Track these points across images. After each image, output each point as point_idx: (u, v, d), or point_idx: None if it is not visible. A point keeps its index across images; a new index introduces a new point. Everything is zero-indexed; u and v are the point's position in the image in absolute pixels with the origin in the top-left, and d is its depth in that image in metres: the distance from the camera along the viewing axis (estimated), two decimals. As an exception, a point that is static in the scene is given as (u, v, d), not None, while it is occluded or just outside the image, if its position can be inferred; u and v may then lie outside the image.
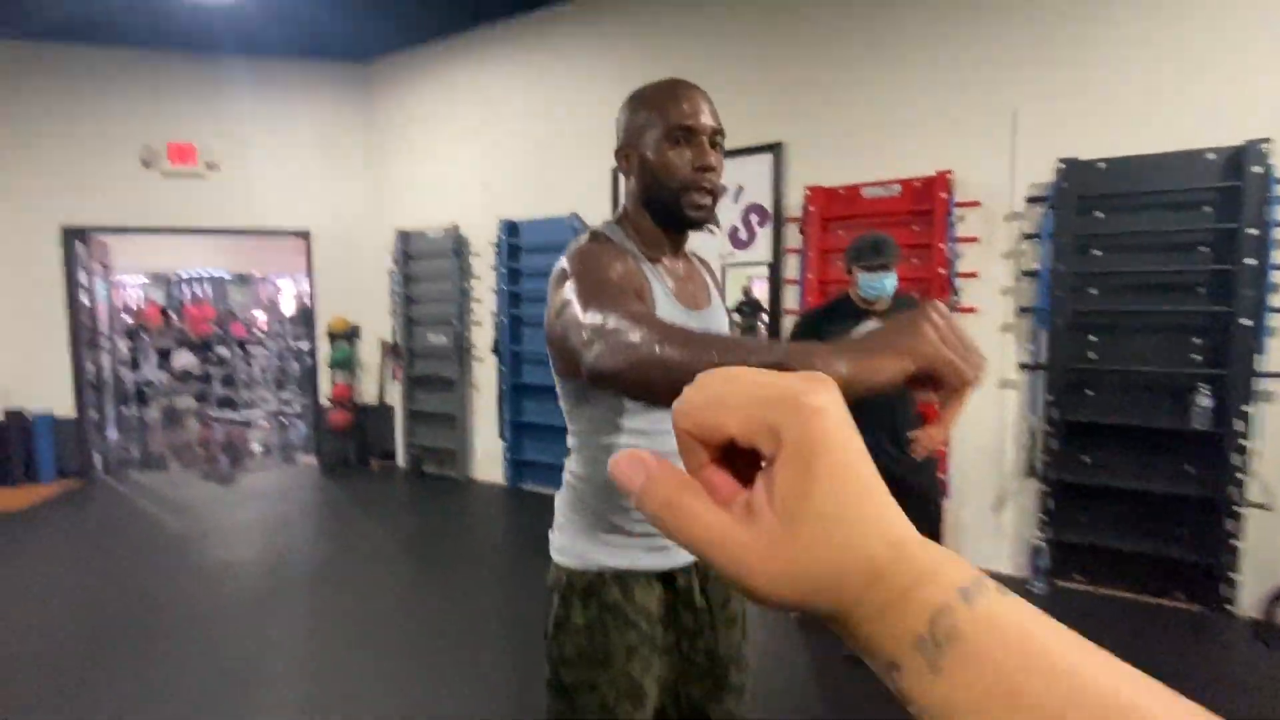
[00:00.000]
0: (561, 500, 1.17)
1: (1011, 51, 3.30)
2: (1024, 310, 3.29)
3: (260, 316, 10.88)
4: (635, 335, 0.70)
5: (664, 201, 1.06)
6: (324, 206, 5.76)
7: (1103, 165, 3.07)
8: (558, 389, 1.13)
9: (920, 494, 2.48)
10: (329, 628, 2.97)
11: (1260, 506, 2.84)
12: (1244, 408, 2.83)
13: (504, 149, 5.01)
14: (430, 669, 2.59)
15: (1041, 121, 3.22)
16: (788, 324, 3.93)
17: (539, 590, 1.16)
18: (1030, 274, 3.26)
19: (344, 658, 2.70)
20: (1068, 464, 3.20)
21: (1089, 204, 3.11)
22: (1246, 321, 2.79)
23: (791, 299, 3.91)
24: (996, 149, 3.32)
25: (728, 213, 4.10)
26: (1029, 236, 3.26)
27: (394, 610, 3.12)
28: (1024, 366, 3.31)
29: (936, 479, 2.55)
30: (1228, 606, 2.92)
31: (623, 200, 1.14)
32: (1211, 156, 2.88)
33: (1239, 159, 2.80)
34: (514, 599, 3.17)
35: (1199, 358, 2.96)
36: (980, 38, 3.37)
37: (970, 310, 3.39)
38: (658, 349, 0.66)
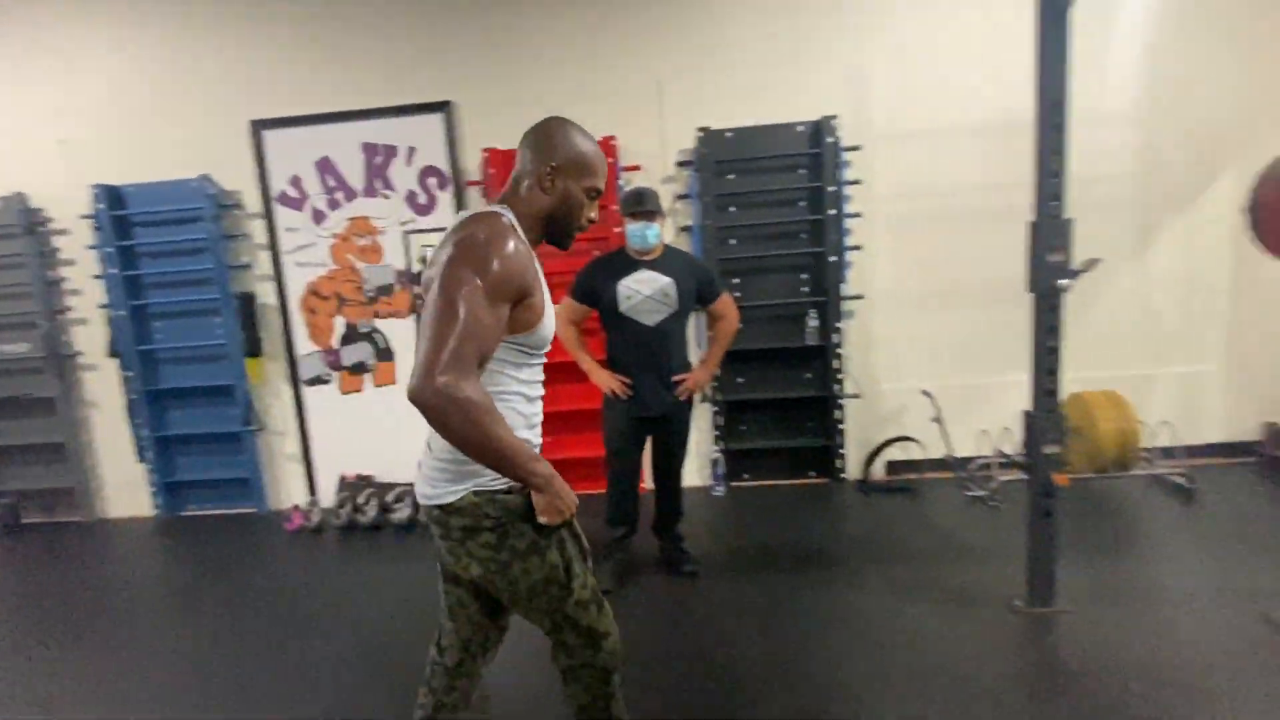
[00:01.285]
0: (447, 453, 1.31)
1: (655, 26, 3.67)
2: (685, 260, 3.80)
3: None
4: (471, 404, 1.14)
5: (559, 226, 1.39)
6: None
7: (730, 134, 3.66)
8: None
9: (680, 427, 2.78)
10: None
11: (855, 397, 3.78)
12: (837, 325, 3.71)
13: (93, 95, 3.89)
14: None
15: (683, 93, 3.68)
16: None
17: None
18: (686, 229, 3.75)
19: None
20: (728, 386, 3.84)
21: (723, 167, 3.68)
22: (834, 259, 3.64)
23: (481, 264, 3.87)
24: (649, 117, 3.71)
25: (403, 176, 3.86)
26: (681, 197, 3.74)
27: None
28: (690, 309, 3.83)
29: (690, 415, 2.83)
30: (842, 475, 3.86)
31: (514, 186, 1.37)
32: (801, 128, 3.64)
33: (819, 131, 3.59)
34: (176, 653, 2.64)
35: (807, 289, 3.78)
36: (629, 8, 3.66)
37: (643, 263, 3.77)
38: (464, 428, 1.15)
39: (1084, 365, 3.65)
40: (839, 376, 3.75)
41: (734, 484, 3.91)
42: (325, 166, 3.88)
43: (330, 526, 3.77)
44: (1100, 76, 3.50)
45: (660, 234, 2.62)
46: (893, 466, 3.87)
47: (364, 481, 3.99)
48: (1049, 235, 2.20)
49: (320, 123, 3.82)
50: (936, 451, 3.70)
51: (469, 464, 1.27)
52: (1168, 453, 3.53)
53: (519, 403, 1.34)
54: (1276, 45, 3.48)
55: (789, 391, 3.85)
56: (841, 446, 3.83)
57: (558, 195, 1.35)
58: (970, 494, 3.52)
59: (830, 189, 3.58)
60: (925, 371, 3.77)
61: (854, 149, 3.59)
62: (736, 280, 3.77)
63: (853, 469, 3.87)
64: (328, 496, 4.05)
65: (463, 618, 1.47)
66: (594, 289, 2.64)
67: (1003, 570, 2.62)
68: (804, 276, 3.78)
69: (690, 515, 3.12)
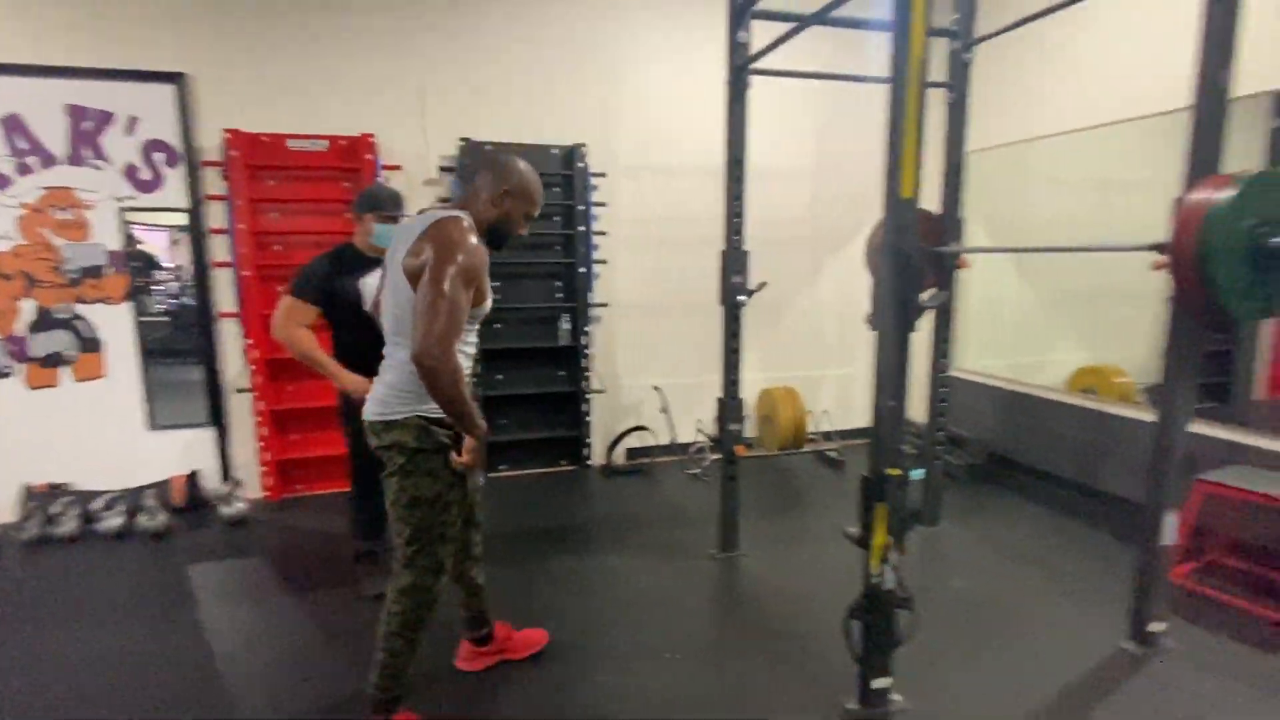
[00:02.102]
0: (406, 386, 1.71)
1: (423, 31, 3.79)
2: (445, 262, 3.98)
3: None
4: (459, 372, 1.58)
5: (499, 234, 1.82)
6: None
7: (490, 148, 3.93)
8: (408, 304, 1.64)
9: None
10: None
11: (599, 392, 4.29)
12: (585, 328, 4.18)
13: None
14: None
15: (447, 101, 3.87)
16: (224, 278, 3.66)
17: None
18: (447, 231, 3.94)
19: None
20: (488, 382, 4.10)
21: (484, 177, 3.94)
22: (583, 269, 4.11)
23: (222, 251, 3.64)
24: (413, 119, 3.83)
25: (121, 147, 3.47)
26: (444, 200, 3.92)
27: None
28: (450, 308, 4.01)
29: None
30: (588, 463, 4.34)
31: (473, 197, 1.79)
32: (556, 151, 4.05)
33: (571, 155, 4.03)
34: None
35: (560, 295, 4.20)
36: (394, 6, 3.75)
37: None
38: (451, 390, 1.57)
39: (771, 367, 4.60)
40: (586, 374, 4.22)
41: (491, 475, 4.17)
42: (14, 125, 3.33)
43: (12, 544, 3.23)
44: (783, 141, 4.45)
45: None
46: (631, 453, 4.45)
47: (58, 491, 3.48)
48: (733, 262, 2.85)
49: (10, 74, 3.29)
50: (665, 439, 4.36)
51: (420, 395, 1.66)
52: (827, 435, 4.60)
53: (464, 359, 1.70)
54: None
55: (543, 387, 4.23)
56: (588, 437, 4.31)
57: (503, 211, 1.78)
58: (690, 473, 4.23)
59: (580, 208, 4.04)
60: (657, 370, 4.41)
61: (600, 175, 4.10)
62: (498, 284, 4.04)
63: (598, 456, 4.37)
64: (4, 510, 3.46)
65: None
66: (330, 289, 2.47)
67: (707, 529, 3.25)
68: (558, 284, 4.20)
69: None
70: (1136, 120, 3.31)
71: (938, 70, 3.10)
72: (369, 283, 2.48)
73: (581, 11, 4.02)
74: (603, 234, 4.17)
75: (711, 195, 4.24)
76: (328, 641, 2.42)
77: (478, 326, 1.82)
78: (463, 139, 3.83)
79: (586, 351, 4.20)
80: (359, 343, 2.48)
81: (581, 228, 4.06)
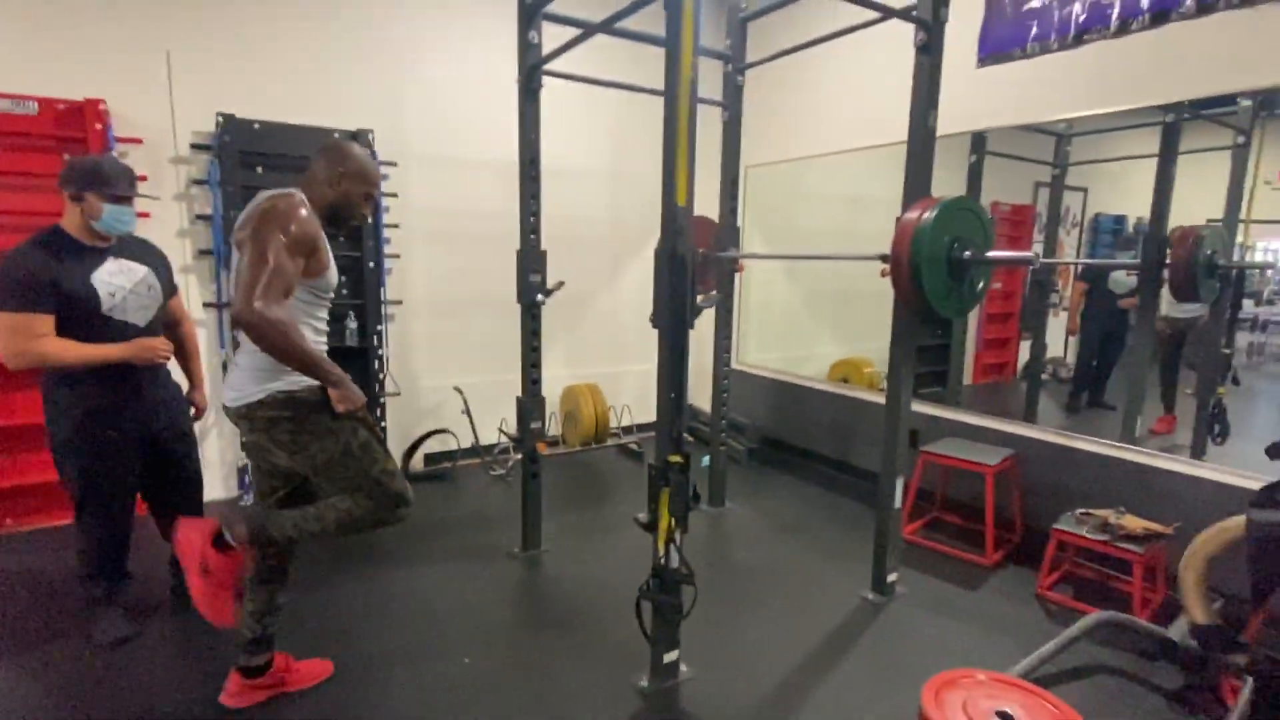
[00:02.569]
0: (260, 365, 1.71)
1: (161, -10, 3.29)
2: (203, 252, 3.49)
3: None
4: (282, 323, 1.59)
5: (337, 215, 1.87)
6: None
7: (258, 126, 3.52)
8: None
9: (193, 447, 2.48)
10: None
11: (394, 395, 4.05)
12: (378, 327, 3.92)
13: None
14: None
15: (198, 69, 3.38)
16: None
17: None
18: (205, 217, 3.46)
19: None
20: (260, 389, 3.67)
21: (251, 158, 3.53)
22: (372, 264, 3.85)
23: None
24: (155, 88, 3.30)
25: None
26: (198, 182, 3.43)
27: None
28: (207, 305, 3.53)
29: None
30: (382, 470, 4.07)
31: (311, 179, 1.84)
32: (338, 135, 3.74)
33: (355, 140, 3.73)
34: None
35: (346, 291, 3.89)
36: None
37: (147, 251, 3.33)
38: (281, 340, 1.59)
39: (575, 364, 4.69)
40: (380, 376, 3.96)
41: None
42: None
43: None
44: (584, 142, 4.55)
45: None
46: (432, 458, 4.27)
47: None
48: (529, 261, 2.86)
49: None
50: (468, 441, 4.24)
51: (273, 371, 1.69)
52: (628, 429, 4.80)
53: (310, 334, 1.75)
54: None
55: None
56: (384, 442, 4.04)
57: (341, 192, 1.83)
58: (494, 474, 4.16)
59: (368, 198, 3.78)
60: (458, 370, 4.27)
61: (390, 164, 3.87)
62: (268, 278, 3.64)
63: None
64: None
65: (271, 497, 1.91)
66: (52, 289, 2.01)
67: (510, 530, 3.22)
68: (343, 278, 3.88)
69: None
70: (881, 147, 3.88)
71: (715, 89, 3.41)
72: (105, 279, 2.12)
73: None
74: (394, 226, 3.94)
75: (512, 191, 4.22)
76: (58, 705, 2.01)
77: (327, 302, 1.86)
78: (222, 114, 3.38)
79: (379, 353, 3.95)
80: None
81: (370, 219, 3.80)
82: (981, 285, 2.35)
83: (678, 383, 1.93)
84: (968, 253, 2.24)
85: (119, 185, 2.12)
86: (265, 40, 3.54)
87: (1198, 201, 3.09)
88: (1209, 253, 3.03)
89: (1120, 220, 4.18)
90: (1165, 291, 3.17)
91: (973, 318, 4.21)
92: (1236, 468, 2.60)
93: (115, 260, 2.17)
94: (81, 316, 2.07)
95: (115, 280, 2.15)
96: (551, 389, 4.56)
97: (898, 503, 2.66)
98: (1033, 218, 4.33)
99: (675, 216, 1.85)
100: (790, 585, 2.86)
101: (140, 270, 2.23)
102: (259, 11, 3.51)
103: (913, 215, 2.25)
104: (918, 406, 3.70)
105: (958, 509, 3.50)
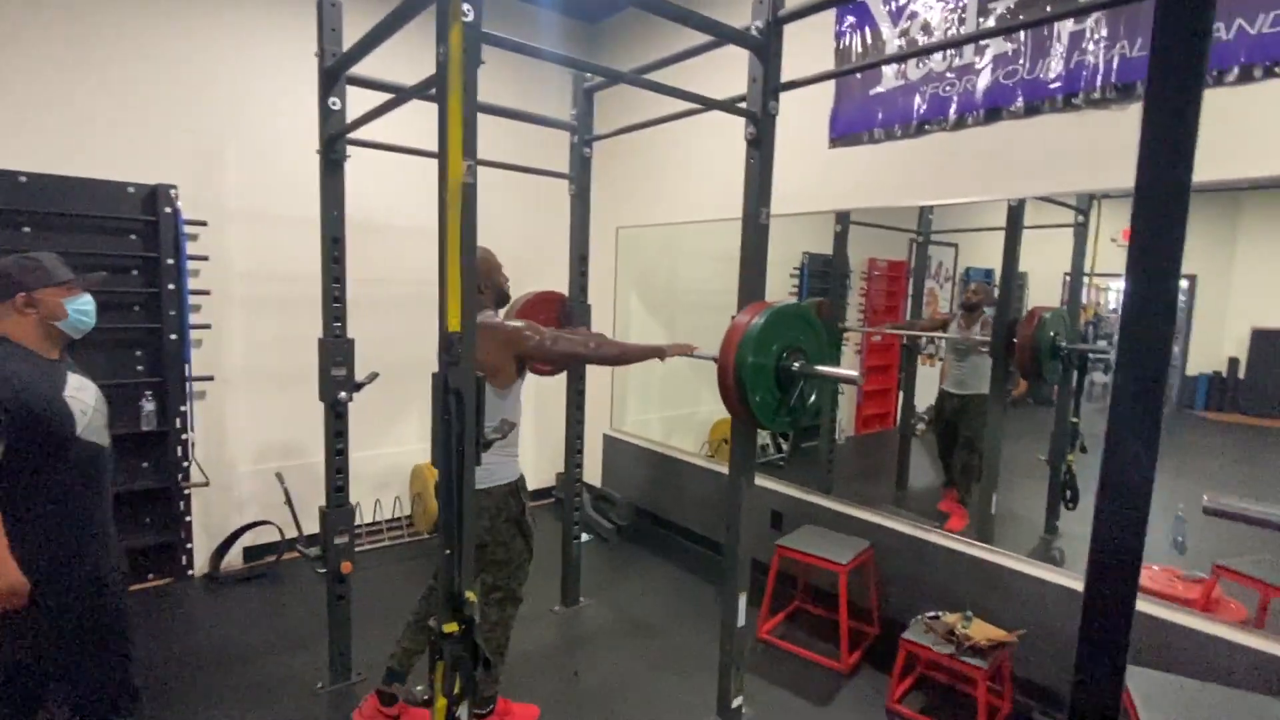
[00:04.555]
0: (489, 455, 1.86)
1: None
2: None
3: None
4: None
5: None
6: None
7: (25, 179, 2.99)
8: (488, 396, 1.96)
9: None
10: None
11: (202, 485, 3.51)
12: (181, 407, 3.40)
13: None
14: None
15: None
16: None
17: None
18: (-54, 287, 2.87)
19: None
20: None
21: (13, 217, 2.98)
22: (174, 336, 3.34)
23: None
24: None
25: None
26: (-62, 245, 2.85)
27: None
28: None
29: None
30: (189, 572, 3.51)
31: None
32: (132, 190, 3.25)
33: (154, 196, 3.26)
34: None
35: (142, 368, 3.35)
36: None
37: None
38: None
39: (422, 440, 4.28)
40: (184, 464, 3.43)
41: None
42: None
43: None
44: (418, 194, 4.21)
45: None
46: (252, 552, 3.74)
47: None
48: (333, 352, 2.50)
49: None
50: (291, 532, 3.74)
51: None
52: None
53: None
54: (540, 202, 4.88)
55: (123, 485, 3.32)
56: (189, 540, 3.49)
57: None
58: (321, 571, 3.67)
59: (169, 261, 3.29)
60: (282, 452, 3.79)
61: (199, 223, 3.39)
62: (36, 355, 3.07)
63: (199, 564, 3.57)
64: None
65: None
66: (30, 409, 1.64)
67: (325, 650, 2.78)
68: (138, 353, 3.34)
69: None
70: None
71: (561, 162, 3.20)
72: (72, 396, 1.71)
73: (181, 33, 3.31)
74: (204, 293, 3.45)
75: (352, 252, 3.86)
76: None
77: None
78: (-28, 166, 2.84)
79: (183, 436, 3.42)
80: (80, 482, 1.76)
81: (171, 285, 3.30)
82: (813, 398, 2.20)
83: (457, 535, 1.63)
84: (797, 364, 2.08)
85: (64, 272, 1.80)
86: (37, 82, 3.02)
87: (1056, 255, 3.14)
88: (1051, 335, 3.07)
89: (989, 274, 4.32)
90: (948, 364, 3.25)
91: (855, 369, 4.20)
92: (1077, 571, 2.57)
93: (72, 373, 1.80)
94: (60, 442, 1.70)
95: (81, 396, 1.77)
96: (401, 464, 4.14)
97: (741, 620, 2.45)
98: (907, 272, 4.41)
99: (448, 345, 1.57)
100: (636, 707, 2.58)
101: (90, 385, 1.83)
102: (29, 49, 2.99)
103: (741, 320, 2.08)
104: (780, 485, 3.60)
105: (820, 598, 3.36)
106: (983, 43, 2.70)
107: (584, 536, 4.21)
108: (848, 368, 3.99)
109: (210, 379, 3.52)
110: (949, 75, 2.82)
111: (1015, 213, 2.91)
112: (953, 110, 2.82)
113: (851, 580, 2.92)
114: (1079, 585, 2.50)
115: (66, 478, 1.73)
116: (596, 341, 2.39)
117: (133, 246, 3.27)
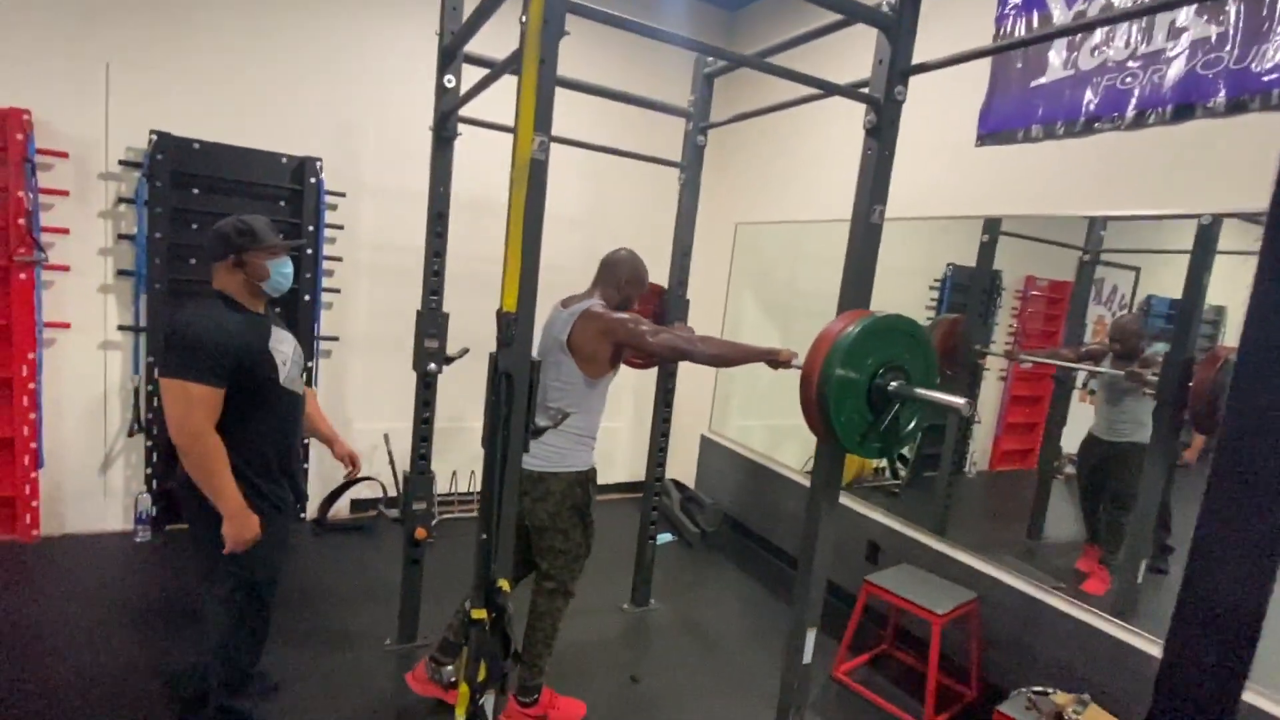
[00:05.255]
0: (563, 440, 2.20)
1: None
2: (123, 273, 3.31)
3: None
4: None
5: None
6: None
7: (197, 145, 3.35)
8: (577, 383, 2.22)
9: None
10: None
11: (319, 436, 3.78)
12: (309, 363, 3.68)
13: None
14: None
15: (137, 84, 3.23)
16: None
17: None
18: (128, 237, 3.29)
19: None
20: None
21: (185, 179, 3.35)
22: (308, 297, 3.62)
23: None
24: (88, 100, 3.16)
25: None
26: (126, 200, 3.27)
27: None
28: (124, 328, 3.34)
29: None
30: (301, 515, 3.81)
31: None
32: (285, 160, 3.55)
33: (302, 168, 3.55)
34: None
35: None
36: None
37: (63, 268, 3.17)
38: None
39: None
40: (305, 415, 3.71)
41: (169, 527, 3.52)
42: None
43: None
44: (558, 191, 4.26)
45: None
46: (359, 505, 4.00)
47: None
48: (428, 324, 2.56)
49: None
50: (393, 490, 3.95)
51: None
52: (579, 492, 4.43)
53: None
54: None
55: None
56: (304, 485, 3.79)
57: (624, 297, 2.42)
58: (415, 531, 3.85)
59: (310, 228, 3.57)
60: (392, 413, 4.00)
61: (339, 194, 3.65)
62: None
63: (313, 509, 3.87)
64: None
65: None
66: (242, 359, 1.82)
67: (394, 611, 2.89)
68: (278, 310, 3.65)
69: (107, 565, 2.83)
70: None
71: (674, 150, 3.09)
72: (277, 346, 1.94)
73: (325, 14, 3.57)
74: (338, 259, 3.71)
75: (465, 225, 3.98)
76: None
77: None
78: (156, 132, 3.21)
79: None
80: (279, 425, 1.96)
81: (310, 250, 3.58)
82: (912, 424, 1.94)
83: (495, 519, 1.58)
84: (895, 384, 1.83)
85: (271, 237, 1.96)
86: (213, 59, 3.37)
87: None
88: (1238, 382, 2.54)
89: (1176, 305, 3.72)
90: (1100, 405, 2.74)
91: (995, 399, 3.78)
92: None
93: (275, 327, 1.99)
94: (266, 388, 1.89)
95: (282, 348, 1.96)
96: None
97: (808, 658, 2.23)
98: (1072, 296, 3.89)
99: (504, 325, 1.52)
100: (682, 727, 2.45)
101: (289, 337, 2.04)
102: (207, 29, 3.34)
103: (833, 328, 1.86)
104: (883, 515, 3.27)
105: (912, 645, 3.02)
106: (1179, 24, 2.24)
107: (665, 536, 4.11)
108: (985, 397, 3.57)
109: (336, 339, 3.79)
110: (1131, 64, 2.39)
111: (1206, 232, 2.41)
112: (1131, 106, 2.38)
113: (949, 634, 2.59)
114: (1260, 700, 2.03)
115: (274, 421, 1.93)
116: (701, 339, 2.28)
117: (282, 212, 3.58)
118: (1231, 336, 2.69)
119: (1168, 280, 3.56)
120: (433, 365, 2.57)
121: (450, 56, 2.41)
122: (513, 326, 1.52)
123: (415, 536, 2.64)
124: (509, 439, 1.54)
